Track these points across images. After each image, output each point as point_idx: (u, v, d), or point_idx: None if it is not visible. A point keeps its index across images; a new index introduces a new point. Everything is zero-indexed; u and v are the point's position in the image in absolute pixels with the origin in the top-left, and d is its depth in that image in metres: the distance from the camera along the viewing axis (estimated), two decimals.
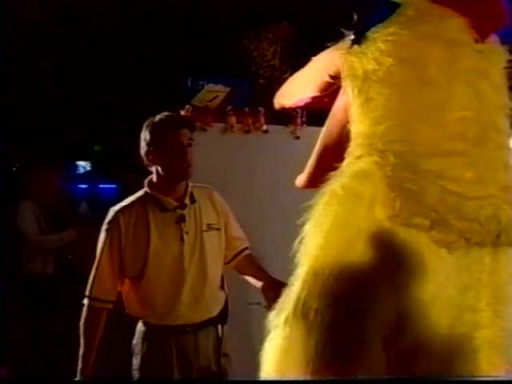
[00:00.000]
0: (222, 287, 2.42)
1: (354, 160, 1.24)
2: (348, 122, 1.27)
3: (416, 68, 1.22)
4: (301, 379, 1.18)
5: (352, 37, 1.30)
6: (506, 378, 1.23)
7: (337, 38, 1.38)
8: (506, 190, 1.24)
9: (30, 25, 4.73)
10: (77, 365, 2.25)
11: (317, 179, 1.29)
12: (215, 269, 2.36)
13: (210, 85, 3.58)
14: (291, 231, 1.24)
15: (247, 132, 3.36)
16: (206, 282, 2.30)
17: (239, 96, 3.51)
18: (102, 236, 2.28)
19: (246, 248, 2.51)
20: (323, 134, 1.41)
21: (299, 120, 3.41)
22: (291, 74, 1.62)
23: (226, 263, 2.47)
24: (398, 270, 1.16)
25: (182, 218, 2.29)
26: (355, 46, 1.27)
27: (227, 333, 2.40)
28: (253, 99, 3.50)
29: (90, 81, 5.62)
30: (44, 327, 3.89)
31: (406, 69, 1.22)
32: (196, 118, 3.08)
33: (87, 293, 2.28)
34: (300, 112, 3.39)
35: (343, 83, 1.30)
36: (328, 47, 1.42)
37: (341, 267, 1.17)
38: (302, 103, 1.59)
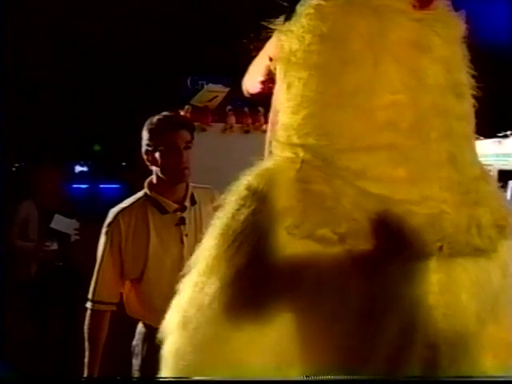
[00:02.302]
0: None
1: (270, 155, 1.09)
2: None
3: (337, 45, 1.02)
4: (300, 379, 1.17)
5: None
6: (506, 378, 1.19)
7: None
8: (452, 189, 1.01)
9: (30, 25, 4.73)
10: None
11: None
12: None
13: (210, 85, 3.58)
14: None
15: (247, 132, 3.36)
16: None
17: (239, 96, 3.50)
18: (103, 239, 2.28)
19: None
20: (269, 121, 1.22)
21: None
22: None
23: None
24: (301, 291, 0.98)
25: (182, 221, 2.28)
26: (287, 23, 1.09)
27: None
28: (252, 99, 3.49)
29: (90, 81, 5.62)
30: (43, 327, 3.89)
31: (326, 46, 1.02)
32: (195, 118, 3.08)
33: (90, 296, 2.28)
34: None
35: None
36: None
37: (224, 279, 1.01)
38: (256, 90, 1.37)
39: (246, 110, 3.41)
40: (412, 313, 0.98)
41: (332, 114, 1.01)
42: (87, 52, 5.23)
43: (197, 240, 2.25)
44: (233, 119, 3.37)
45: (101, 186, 6.66)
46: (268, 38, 1.25)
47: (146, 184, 2.34)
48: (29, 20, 4.67)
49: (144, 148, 2.31)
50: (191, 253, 2.24)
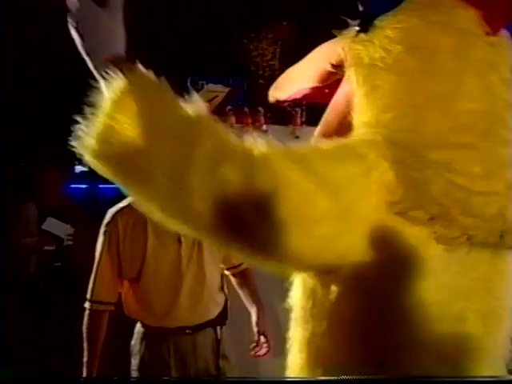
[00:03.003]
0: (221, 288, 2.41)
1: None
2: (349, 112, 1.23)
3: (426, 56, 1.19)
4: (300, 379, 1.17)
5: (357, 26, 1.26)
6: (506, 378, 1.21)
7: (340, 27, 1.33)
8: (510, 187, 1.19)
9: (30, 24, 4.73)
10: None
11: None
12: (213, 270, 2.35)
13: (210, 85, 3.58)
14: None
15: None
16: (204, 284, 2.30)
17: (239, 96, 3.51)
18: (101, 238, 2.28)
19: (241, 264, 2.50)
20: (322, 124, 1.36)
21: (299, 120, 3.40)
22: None
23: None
24: (385, 264, 1.09)
25: None
26: (361, 35, 1.24)
27: (226, 335, 2.39)
28: (252, 99, 3.50)
29: (91, 80, 5.62)
30: (42, 327, 3.89)
31: (416, 56, 1.18)
32: None
33: (88, 296, 2.28)
34: (299, 112, 3.39)
35: (347, 73, 1.26)
36: (334, 36, 1.36)
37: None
38: (299, 95, 1.51)
39: (246, 110, 3.41)
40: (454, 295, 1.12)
41: (420, 114, 1.15)
42: None
43: (194, 239, 2.28)
44: (233, 119, 3.37)
45: (101, 186, 6.66)
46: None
47: None
48: (29, 20, 4.67)
49: None
50: (188, 252, 2.28)
